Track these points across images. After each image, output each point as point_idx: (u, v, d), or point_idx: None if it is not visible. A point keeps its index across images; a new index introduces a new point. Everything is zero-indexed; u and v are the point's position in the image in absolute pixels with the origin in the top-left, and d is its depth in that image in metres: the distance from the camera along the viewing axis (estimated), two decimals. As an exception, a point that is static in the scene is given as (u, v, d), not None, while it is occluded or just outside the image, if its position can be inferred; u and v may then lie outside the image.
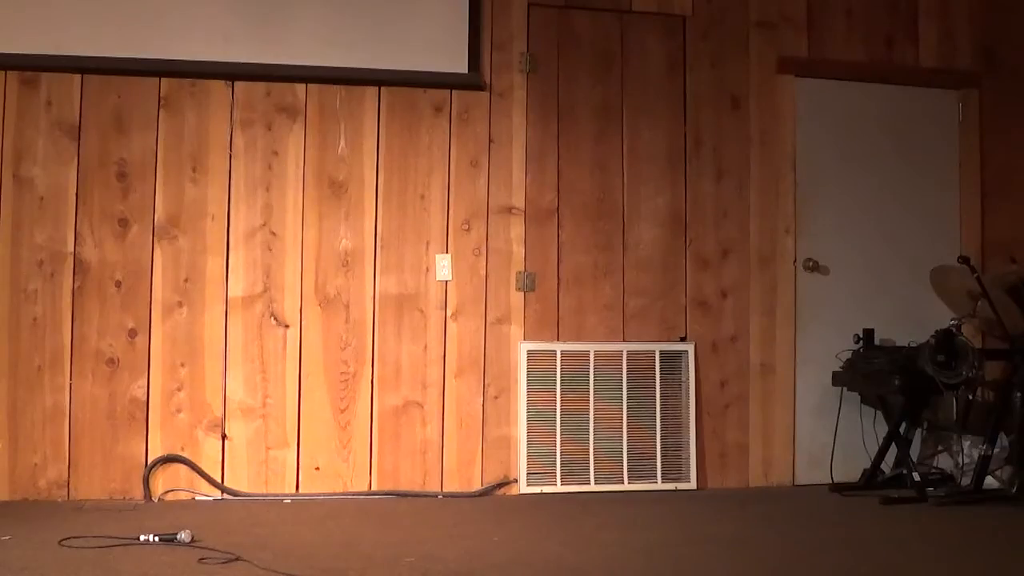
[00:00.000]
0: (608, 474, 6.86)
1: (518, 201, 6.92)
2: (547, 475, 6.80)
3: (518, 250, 6.89)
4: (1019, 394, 6.73)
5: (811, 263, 7.37)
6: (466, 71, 6.86)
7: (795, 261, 7.35)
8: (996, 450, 6.75)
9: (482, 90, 6.93)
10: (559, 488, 6.78)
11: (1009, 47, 7.59)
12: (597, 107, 7.13)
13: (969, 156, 7.71)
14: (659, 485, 6.88)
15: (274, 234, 6.64)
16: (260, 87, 6.68)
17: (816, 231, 7.40)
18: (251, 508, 6.25)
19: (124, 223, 6.49)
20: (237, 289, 6.58)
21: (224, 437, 6.52)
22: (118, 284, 6.46)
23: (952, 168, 7.72)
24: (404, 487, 6.65)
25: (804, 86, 7.46)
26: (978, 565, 5.18)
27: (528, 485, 6.77)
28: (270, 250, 6.63)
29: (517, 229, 6.90)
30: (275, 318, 6.61)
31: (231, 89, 6.65)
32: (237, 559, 4.94)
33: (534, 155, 6.99)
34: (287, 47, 6.64)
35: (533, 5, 7.05)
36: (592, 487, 6.81)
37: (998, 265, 7.32)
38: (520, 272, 6.87)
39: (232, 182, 6.62)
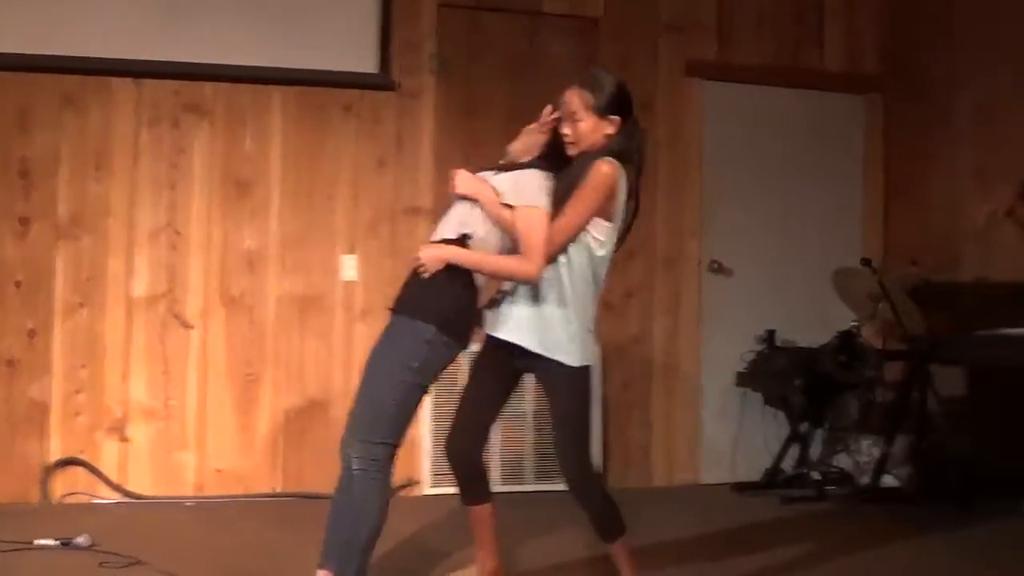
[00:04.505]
0: (512, 474, 6.89)
1: (426, 202, 6.92)
2: (451, 476, 6.80)
3: (426, 251, 6.87)
4: (918, 394, 6.84)
5: (716, 264, 7.45)
6: (375, 71, 6.85)
7: (700, 262, 7.42)
8: (895, 449, 6.85)
9: (391, 90, 6.91)
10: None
11: (913, 53, 7.68)
12: (508, 108, 7.09)
13: (872, 160, 7.83)
14: (563, 485, 6.91)
15: (178, 233, 6.59)
16: (167, 85, 6.62)
17: (721, 233, 7.47)
18: (152, 511, 6.24)
19: (25, 222, 6.40)
20: (140, 289, 6.53)
21: (125, 439, 6.47)
22: (18, 284, 6.38)
23: (856, 172, 7.84)
24: (309, 489, 6.60)
25: (712, 89, 7.52)
26: (873, 562, 5.31)
27: (432, 486, 6.79)
28: (174, 250, 6.58)
29: (424, 230, 6.84)
30: (178, 319, 6.57)
31: (138, 87, 6.59)
32: (137, 563, 4.95)
33: (443, 156, 6.97)
34: (195, 46, 6.57)
35: (443, 6, 7.03)
36: (497, 487, 6.81)
37: (899, 267, 7.42)
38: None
39: (137, 181, 6.56)
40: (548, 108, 4.42)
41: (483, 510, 4.62)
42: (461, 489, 4.64)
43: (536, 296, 4.28)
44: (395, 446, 4.11)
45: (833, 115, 7.81)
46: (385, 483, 4.08)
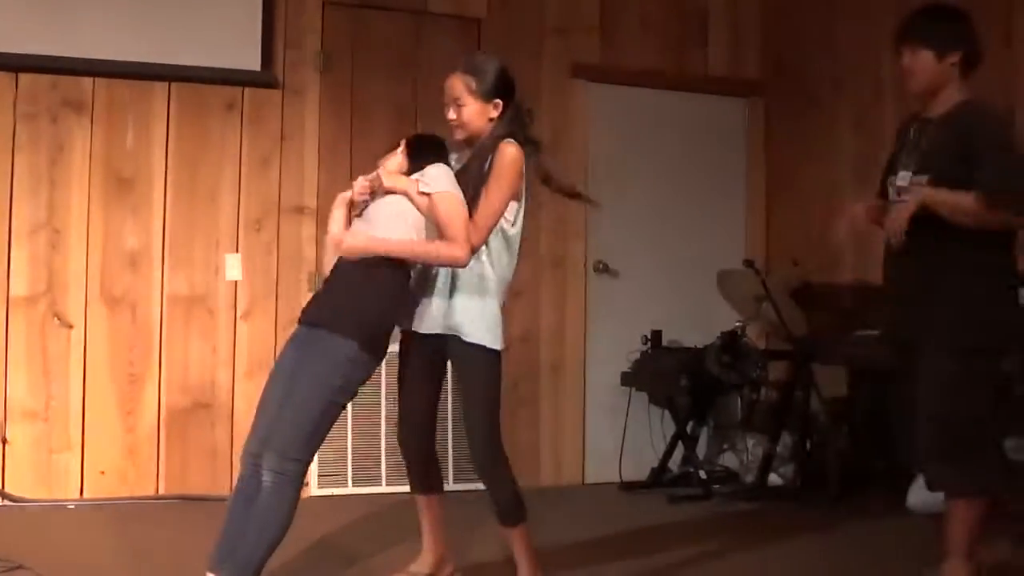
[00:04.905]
0: (400, 475, 6.79)
1: (310, 201, 6.86)
2: (339, 476, 6.76)
3: (309, 250, 6.81)
4: (801, 394, 6.94)
5: (601, 265, 7.50)
6: (259, 68, 6.76)
7: (585, 263, 7.47)
8: (779, 448, 6.94)
9: (275, 88, 6.84)
10: (351, 490, 6.76)
11: (795, 55, 7.81)
12: (393, 106, 7.09)
13: (755, 163, 7.96)
14: (452, 486, 6.87)
15: (58, 231, 6.43)
16: (46, 79, 6.44)
17: (607, 234, 7.50)
18: (34, 514, 6.09)
19: None
20: (19, 288, 6.35)
21: (5, 441, 6.29)
22: None
23: (739, 174, 7.95)
24: (193, 491, 6.52)
25: (597, 91, 7.56)
26: (766, 559, 5.37)
27: (319, 487, 6.72)
28: (54, 248, 6.42)
29: (309, 229, 6.83)
30: (59, 318, 6.41)
31: (15, 81, 6.42)
32: (19, 567, 4.82)
33: (328, 154, 6.94)
34: (75, 39, 6.41)
35: (328, 3, 6.97)
36: (384, 488, 6.79)
37: (781, 268, 7.54)
38: (312, 273, 6.78)
39: (15, 177, 6.38)
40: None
41: (433, 500, 4.68)
42: (414, 481, 4.68)
43: (456, 283, 4.34)
44: (308, 463, 4.10)
45: (717, 118, 7.91)
46: (295, 497, 4.07)
